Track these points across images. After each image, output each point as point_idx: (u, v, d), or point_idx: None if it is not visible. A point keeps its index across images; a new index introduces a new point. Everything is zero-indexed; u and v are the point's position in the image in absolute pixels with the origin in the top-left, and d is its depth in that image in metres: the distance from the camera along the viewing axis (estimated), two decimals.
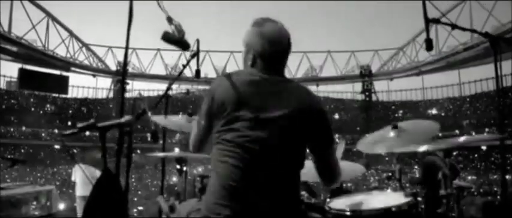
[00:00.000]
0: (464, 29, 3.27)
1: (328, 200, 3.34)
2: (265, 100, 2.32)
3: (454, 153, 4.47)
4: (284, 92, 2.38)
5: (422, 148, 3.36)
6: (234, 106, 2.29)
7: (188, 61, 3.57)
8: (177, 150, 4.03)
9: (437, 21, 3.05)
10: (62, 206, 8.76)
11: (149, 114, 2.55)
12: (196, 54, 3.49)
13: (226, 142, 2.29)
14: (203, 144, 2.54)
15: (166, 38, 2.41)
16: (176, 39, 2.40)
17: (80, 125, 2.32)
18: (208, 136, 2.46)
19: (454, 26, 3.10)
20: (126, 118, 2.36)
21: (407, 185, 6.48)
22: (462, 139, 2.93)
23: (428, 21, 2.87)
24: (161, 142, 4.82)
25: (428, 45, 2.91)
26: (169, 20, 2.43)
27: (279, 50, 2.47)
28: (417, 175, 6.76)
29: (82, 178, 8.46)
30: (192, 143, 2.59)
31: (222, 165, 2.27)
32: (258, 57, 2.44)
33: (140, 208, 15.03)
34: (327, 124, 2.44)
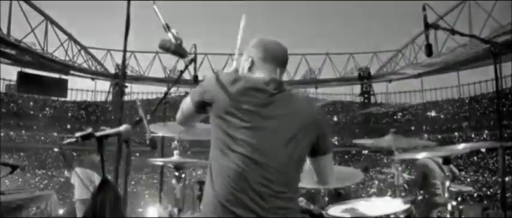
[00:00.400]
0: (463, 35, 3.28)
1: (327, 206, 3.34)
2: (266, 107, 2.32)
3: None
4: (284, 99, 2.39)
5: (421, 155, 3.36)
6: (235, 112, 2.29)
7: (186, 67, 3.56)
8: (175, 155, 4.01)
9: (437, 26, 3.05)
10: (61, 211, 8.76)
11: (145, 122, 2.55)
12: (193, 60, 3.49)
13: (226, 150, 2.27)
14: (188, 123, 2.70)
15: (163, 47, 2.41)
16: (173, 49, 2.41)
17: (78, 134, 2.32)
18: (193, 119, 2.63)
19: (453, 31, 3.10)
20: (123, 126, 2.36)
21: (405, 186, 6.47)
22: (461, 146, 2.92)
23: (428, 27, 2.87)
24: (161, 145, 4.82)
25: (429, 50, 2.91)
26: (167, 27, 2.44)
27: (276, 56, 2.52)
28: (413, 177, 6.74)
29: (80, 182, 8.45)
30: (178, 118, 2.66)
31: (220, 180, 2.25)
32: (258, 60, 2.48)
33: (140, 209, 15.05)
34: (326, 131, 2.46)
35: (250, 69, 2.52)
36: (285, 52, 2.58)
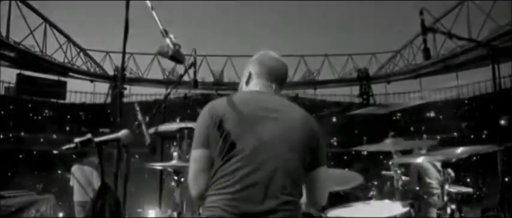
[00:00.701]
0: (460, 38, 3.28)
1: (326, 210, 3.34)
2: (263, 117, 2.34)
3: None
4: (280, 109, 2.42)
5: (420, 159, 3.37)
6: (235, 123, 2.31)
7: (186, 71, 3.56)
8: (174, 159, 4.01)
9: (434, 30, 3.06)
10: (60, 214, 8.75)
11: (144, 127, 2.55)
12: (193, 63, 3.49)
13: (228, 158, 2.28)
14: (208, 180, 2.39)
15: (161, 52, 2.43)
16: (171, 55, 2.43)
17: (77, 140, 2.33)
18: (210, 167, 2.39)
19: (450, 35, 3.11)
20: (123, 132, 2.37)
21: (405, 189, 6.47)
22: (459, 151, 2.93)
23: (426, 31, 2.88)
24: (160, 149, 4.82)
25: (427, 55, 2.91)
26: (165, 33, 2.45)
27: (272, 72, 2.55)
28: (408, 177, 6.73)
29: (79, 184, 8.44)
30: (194, 183, 2.45)
31: (223, 186, 2.27)
32: (254, 74, 2.53)
33: (139, 210, 15.04)
34: (322, 143, 2.47)
35: (247, 82, 2.58)
36: (283, 69, 2.62)
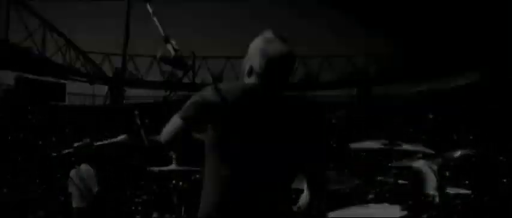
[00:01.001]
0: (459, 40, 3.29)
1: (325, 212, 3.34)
2: (260, 118, 2.33)
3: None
4: (279, 107, 2.40)
5: (418, 164, 3.38)
6: (230, 121, 2.29)
7: (184, 74, 3.58)
8: (173, 163, 4.02)
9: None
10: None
11: (142, 132, 2.55)
12: (192, 67, 3.49)
13: (222, 159, 2.28)
14: (176, 142, 2.47)
15: (163, 60, 2.44)
16: (173, 61, 2.43)
17: (76, 144, 2.34)
18: (181, 136, 2.44)
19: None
20: (121, 137, 2.38)
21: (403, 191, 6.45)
22: (457, 153, 2.95)
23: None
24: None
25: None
26: (166, 39, 2.45)
27: (276, 74, 2.46)
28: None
29: (78, 190, 8.41)
30: (165, 137, 2.48)
31: (218, 188, 2.27)
32: (254, 73, 2.45)
33: (137, 217, 15.03)
34: (322, 141, 2.46)
35: (249, 75, 2.50)
36: (289, 65, 2.50)
